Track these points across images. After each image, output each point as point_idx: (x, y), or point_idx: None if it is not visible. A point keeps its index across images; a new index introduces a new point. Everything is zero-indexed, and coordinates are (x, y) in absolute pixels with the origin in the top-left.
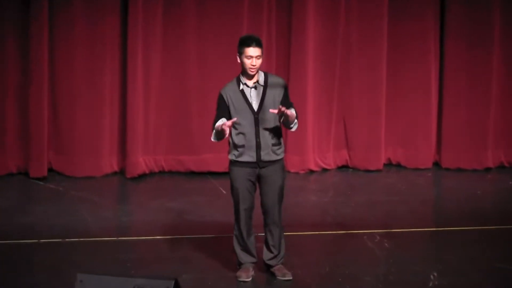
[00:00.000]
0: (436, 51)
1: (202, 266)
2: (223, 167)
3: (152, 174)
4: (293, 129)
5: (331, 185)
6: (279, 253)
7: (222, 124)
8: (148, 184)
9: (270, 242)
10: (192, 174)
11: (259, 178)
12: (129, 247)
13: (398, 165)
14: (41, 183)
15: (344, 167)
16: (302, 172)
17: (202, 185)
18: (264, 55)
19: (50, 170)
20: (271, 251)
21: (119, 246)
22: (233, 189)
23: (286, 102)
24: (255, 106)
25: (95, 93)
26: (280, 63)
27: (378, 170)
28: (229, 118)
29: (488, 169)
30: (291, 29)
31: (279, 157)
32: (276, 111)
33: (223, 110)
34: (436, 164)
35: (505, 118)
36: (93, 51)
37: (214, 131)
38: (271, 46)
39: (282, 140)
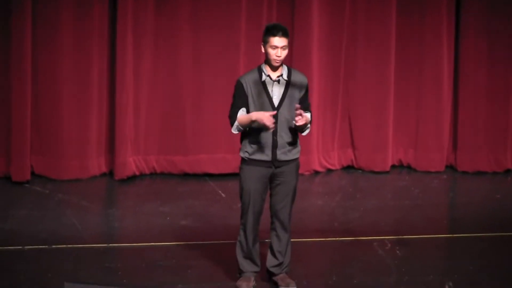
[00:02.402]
0: (450, 42)
1: (199, 275)
2: (219, 168)
3: (142, 176)
4: (304, 133)
5: (338, 188)
6: (284, 260)
7: (263, 117)
8: (139, 186)
9: (277, 248)
10: (186, 176)
11: (271, 178)
12: (120, 255)
13: (408, 167)
14: (25, 186)
15: (349, 168)
16: (307, 173)
17: (197, 188)
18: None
19: (34, 174)
20: (276, 258)
21: (109, 254)
22: (243, 191)
23: (305, 102)
24: (276, 101)
25: (82, 89)
26: None
27: (385, 172)
28: (247, 109)
29: (508, 171)
30: (294, 20)
31: (295, 157)
32: (298, 107)
33: (242, 100)
34: (451, 166)
35: None
36: (79, 45)
37: (236, 123)
38: None
39: (298, 140)
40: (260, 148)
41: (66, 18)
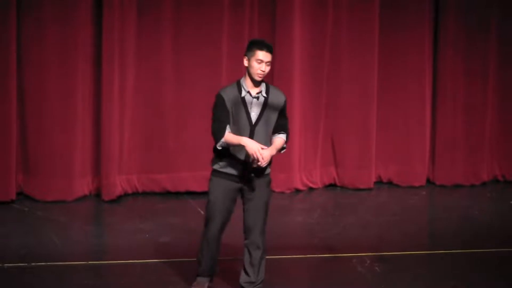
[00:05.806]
0: (429, 62)
1: None
2: (201, 186)
3: (126, 195)
4: (282, 152)
5: (318, 205)
6: (257, 278)
7: (255, 150)
8: (122, 205)
9: (249, 265)
10: (168, 194)
11: (242, 193)
12: (100, 272)
13: (390, 183)
14: (8, 205)
15: (332, 186)
16: (288, 191)
17: (178, 205)
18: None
19: (20, 193)
20: (248, 274)
21: (89, 271)
22: (209, 202)
23: (282, 119)
24: (254, 117)
25: (68, 106)
26: None
27: (368, 189)
28: (229, 122)
29: (484, 184)
30: (275, 37)
31: (265, 173)
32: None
33: (225, 114)
34: (431, 181)
35: (500, 129)
36: (64, 64)
37: (223, 140)
38: None
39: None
40: (232, 163)
41: (52, 36)
